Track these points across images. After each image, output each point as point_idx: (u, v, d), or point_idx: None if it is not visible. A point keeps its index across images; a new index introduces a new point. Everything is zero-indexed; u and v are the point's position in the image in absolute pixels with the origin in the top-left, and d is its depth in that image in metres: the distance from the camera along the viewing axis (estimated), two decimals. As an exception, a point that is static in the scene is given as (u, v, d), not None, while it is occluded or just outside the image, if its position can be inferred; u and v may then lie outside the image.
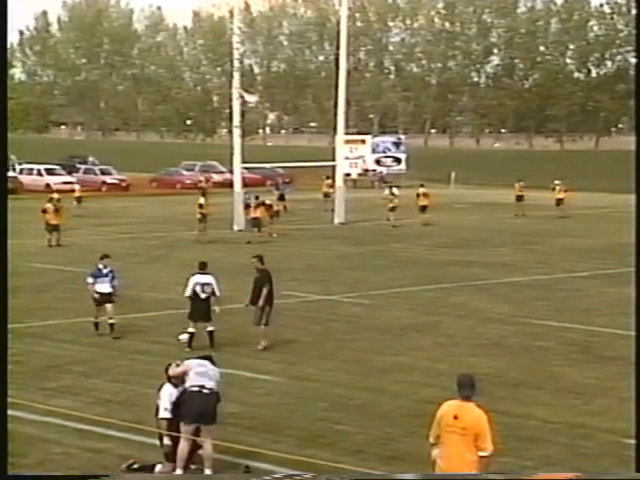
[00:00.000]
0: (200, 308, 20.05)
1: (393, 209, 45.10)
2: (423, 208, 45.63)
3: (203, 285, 20.12)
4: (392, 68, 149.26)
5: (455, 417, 10.48)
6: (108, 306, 21.05)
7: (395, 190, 47.48)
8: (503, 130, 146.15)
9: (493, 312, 24.24)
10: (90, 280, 21.24)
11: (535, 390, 17.17)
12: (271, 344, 19.99)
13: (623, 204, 56.17)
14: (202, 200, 40.43)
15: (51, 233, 37.07)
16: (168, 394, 13.22)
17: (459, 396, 10.61)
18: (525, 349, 20.27)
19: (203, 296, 20.06)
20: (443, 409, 10.69)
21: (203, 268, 20.33)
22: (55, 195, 41.46)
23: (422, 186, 47.07)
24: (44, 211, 37.66)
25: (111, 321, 21.03)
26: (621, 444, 14.03)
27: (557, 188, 50.78)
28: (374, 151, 76.90)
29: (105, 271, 21.22)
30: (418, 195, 46.33)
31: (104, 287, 21.08)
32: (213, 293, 20.12)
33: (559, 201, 50.18)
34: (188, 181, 69.02)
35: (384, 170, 75.08)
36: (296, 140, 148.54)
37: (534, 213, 49.67)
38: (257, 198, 40.91)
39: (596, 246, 37.85)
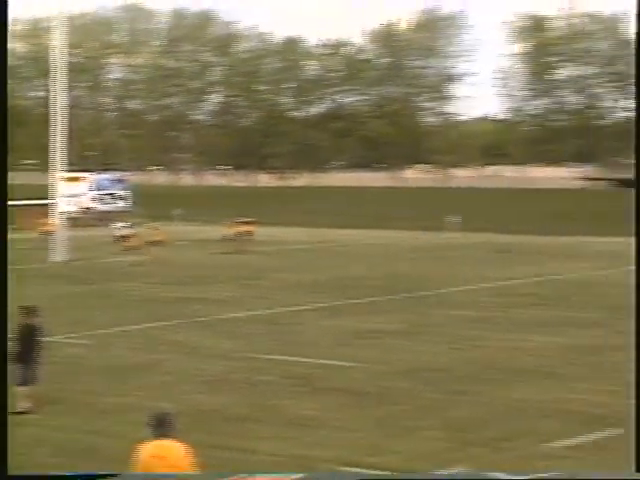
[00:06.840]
0: None
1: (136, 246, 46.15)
2: (153, 244, 46.50)
3: None
4: (112, 105, 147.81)
5: (161, 458, 9.96)
6: None
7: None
8: (224, 167, 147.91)
9: (217, 348, 24.36)
10: None
11: (259, 424, 17.37)
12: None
13: (343, 239, 58.23)
14: None
15: None
16: None
17: (153, 435, 10.27)
18: (250, 384, 20.47)
19: None
20: (141, 454, 10.10)
21: None
22: None
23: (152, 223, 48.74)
24: None
25: None
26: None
27: (238, 222, 52.51)
28: (94, 188, 75.88)
29: None
30: (150, 229, 47.80)
31: None
32: None
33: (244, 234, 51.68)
34: None
35: (105, 208, 74.16)
36: (12, 178, 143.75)
37: (256, 249, 50.44)
38: None
39: (315, 280, 38.82)
